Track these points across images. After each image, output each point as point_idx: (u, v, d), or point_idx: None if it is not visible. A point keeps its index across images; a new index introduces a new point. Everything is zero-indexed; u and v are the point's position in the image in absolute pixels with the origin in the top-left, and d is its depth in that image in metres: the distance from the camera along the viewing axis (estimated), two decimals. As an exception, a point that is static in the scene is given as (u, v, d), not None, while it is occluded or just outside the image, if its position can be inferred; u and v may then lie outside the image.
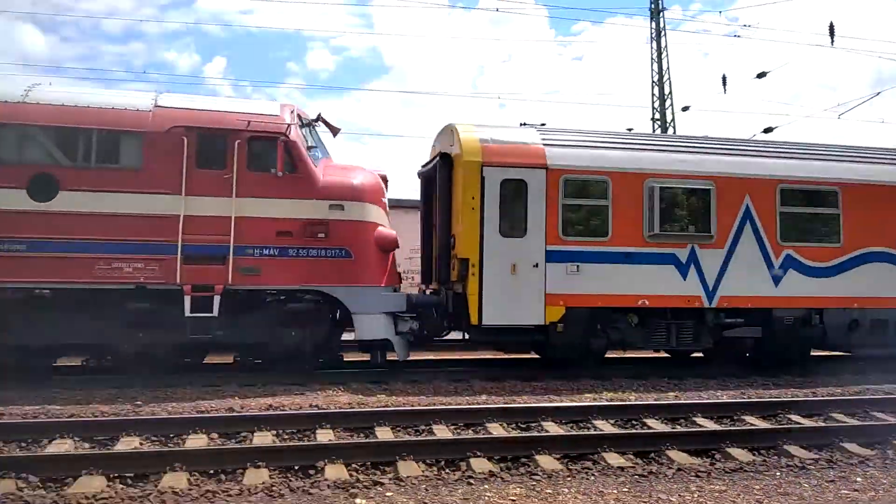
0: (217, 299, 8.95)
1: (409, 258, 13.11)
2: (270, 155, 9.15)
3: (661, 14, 25.90)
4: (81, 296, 8.78)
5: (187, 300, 8.83)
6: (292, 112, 9.78)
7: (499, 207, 9.81)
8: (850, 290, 10.65)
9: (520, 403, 7.78)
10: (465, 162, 9.87)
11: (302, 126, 9.78)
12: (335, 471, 5.41)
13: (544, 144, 10.26)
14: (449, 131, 10.50)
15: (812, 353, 11.17)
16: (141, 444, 6.12)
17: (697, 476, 5.53)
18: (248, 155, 9.22)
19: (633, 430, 6.90)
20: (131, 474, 5.33)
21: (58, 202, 8.76)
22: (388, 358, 10.00)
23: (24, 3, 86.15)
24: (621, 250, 9.95)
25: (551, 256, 9.80)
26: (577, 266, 9.83)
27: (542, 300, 9.73)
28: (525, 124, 10.93)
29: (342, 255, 9.47)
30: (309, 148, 9.71)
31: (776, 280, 10.44)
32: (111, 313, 8.83)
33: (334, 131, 10.72)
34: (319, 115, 10.41)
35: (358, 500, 4.85)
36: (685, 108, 25.34)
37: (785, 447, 6.36)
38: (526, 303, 9.71)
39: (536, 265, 9.77)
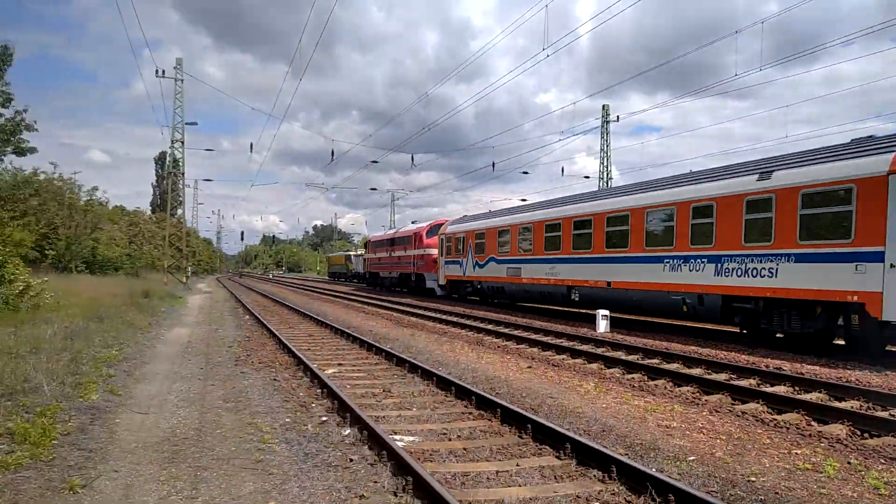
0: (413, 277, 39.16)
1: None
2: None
3: None
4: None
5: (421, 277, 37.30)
6: (441, 226, 33.42)
7: (440, 248, 32.14)
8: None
9: None
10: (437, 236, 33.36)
11: (432, 228, 35.58)
12: None
13: (450, 225, 31.41)
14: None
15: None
16: None
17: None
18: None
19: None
20: None
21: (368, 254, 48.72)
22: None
23: None
24: (473, 261, 27.91)
25: (445, 262, 31.02)
26: (450, 266, 30.65)
27: (444, 277, 31.35)
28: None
29: (424, 264, 35.58)
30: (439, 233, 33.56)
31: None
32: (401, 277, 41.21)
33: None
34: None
35: None
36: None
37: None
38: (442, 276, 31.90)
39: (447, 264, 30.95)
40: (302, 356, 11.86)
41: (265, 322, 19.18)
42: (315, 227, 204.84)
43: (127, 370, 10.72)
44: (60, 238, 33.53)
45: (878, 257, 11.07)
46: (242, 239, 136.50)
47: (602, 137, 52.95)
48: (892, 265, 10.94)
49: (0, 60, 18.74)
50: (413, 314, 23.35)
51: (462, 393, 8.88)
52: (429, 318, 21.79)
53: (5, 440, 6.04)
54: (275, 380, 10.25)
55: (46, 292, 16.84)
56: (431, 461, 6.11)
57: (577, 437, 6.32)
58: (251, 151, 54.59)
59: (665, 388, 10.00)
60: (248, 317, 22.60)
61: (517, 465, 5.98)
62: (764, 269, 13.31)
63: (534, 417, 7.15)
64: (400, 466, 5.66)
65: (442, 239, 31.79)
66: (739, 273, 13.85)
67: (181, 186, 47.14)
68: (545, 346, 14.39)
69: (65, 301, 17.52)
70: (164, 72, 40.46)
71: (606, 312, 17.79)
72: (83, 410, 7.59)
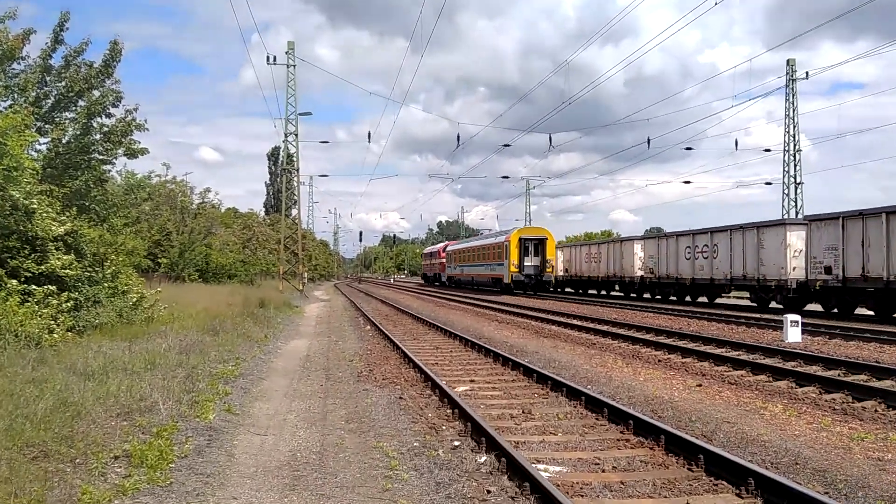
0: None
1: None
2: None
3: None
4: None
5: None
6: (447, 246, 78.90)
7: (446, 259, 73.29)
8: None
9: None
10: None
11: (445, 248, 78.64)
12: None
13: (449, 246, 76.54)
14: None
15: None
16: None
17: None
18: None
19: None
20: None
21: (423, 262, 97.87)
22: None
23: None
24: (462, 264, 64.02)
25: (447, 266, 71.83)
26: (449, 269, 71.16)
27: (447, 276, 71.84)
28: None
29: (440, 268, 78.34)
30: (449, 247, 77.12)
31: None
32: (434, 276, 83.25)
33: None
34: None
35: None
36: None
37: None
38: (446, 275, 73.76)
39: (448, 267, 72.71)
40: (429, 371, 12.13)
41: (387, 333, 19.79)
42: (440, 224, 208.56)
43: (244, 387, 11.43)
44: (173, 245, 36.29)
45: (503, 265, 47.92)
46: (361, 240, 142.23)
47: (787, 100, 50.22)
48: (505, 266, 47.41)
49: (109, 57, 20.43)
50: (550, 321, 23.26)
51: (616, 416, 8.72)
52: (568, 325, 21.64)
53: (122, 463, 6.62)
54: (400, 398, 10.55)
55: (160, 303, 18.27)
56: (582, 496, 6.04)
57: (762, 471, 6.02)
58: (369, 141, 57.47)
59: (876, 410, 9.32)
60: (368, 327, 23.42)
61: (687, 503, 5.79)
62: (494, 267, 50.77)
63: (706, 446, 6.89)
64: (546, 501, 5.64)
65: (446, 253, 71.90)
66: (491, 270, 51.69)
67: (296, 184, 49.61)
68: (718, 360, 13.84)
69: (179, 312, 18.95)
70: (275, 58, 42.72)
71: (797, 318, 16.95)
72: (200, 431, 8.18)
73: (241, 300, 26.36)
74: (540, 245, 47.36)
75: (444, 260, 73.63)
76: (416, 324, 24.69)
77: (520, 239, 47.12)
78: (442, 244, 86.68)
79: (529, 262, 47.05)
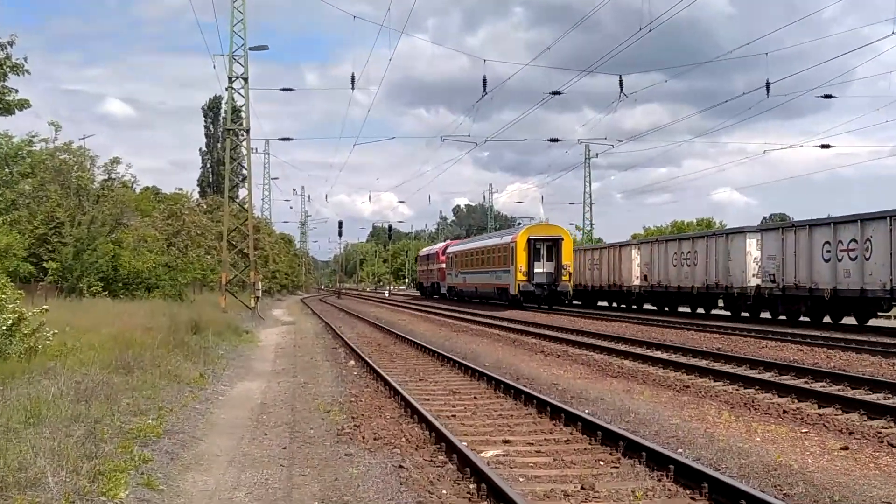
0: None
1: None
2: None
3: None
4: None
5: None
6: (444, 243, 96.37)
7: (446, 264, 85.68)
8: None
9: None
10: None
11: (445, 248, 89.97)
12: None
13: (451, 246, 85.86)
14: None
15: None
16: None
17: None
18: None
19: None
20: None
21: (419, 267, 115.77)
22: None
23: None
24: (465, 271, 75.73)
25: (447, 273, 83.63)
26: (449, 276, 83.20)
27: (447, 286, 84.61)
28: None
29: (440, 275, 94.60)
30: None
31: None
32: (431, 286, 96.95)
33: None
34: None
35: None
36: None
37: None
38: (446, 285, 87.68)
39: (447, 275, 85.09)
40: (442, 428, 12.15)
41: (380, 371, 19.86)
42: (457, 210, 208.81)
43: (171, 450, 11.46)
44: (66, 242, 36.36)
45: (509, 271, 56.67)
46: (340, 234, 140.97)
47: (970, 25, 49.85)
48: (511, 274, 55.83)
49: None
50: (621, 353, 23.24)
51: (722, 493, 8.69)
52: (648, 358, 21.60)
53: (-6, 562, 6.61)
54: (401, 467, 10.54)
55: (47, 328, 18.28)
56: None
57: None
58: (353, 88, 55.01)
59: None
60: (352, 362, 23.51)
61: None
62: (500, 275, 59.94)
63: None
64: None
65: (447, 256, 79.74)
66: (496, 278, 61.13)
67: (245, 152, 49.32)
68: (873, 410, 13.77)
69: (75, 341, 18.97)
70: (211, -34, 42.73)
71: None
72: (107, 516, 8.16)
73: (166, 323, 26.43)
74: (554, 247, 54.56)
75: (444, 265, 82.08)
76: (421, 356, 24.89)
77: (529, 239, 54.00)
78: (442, 244, 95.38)
79: (540, 268, 54.14)
